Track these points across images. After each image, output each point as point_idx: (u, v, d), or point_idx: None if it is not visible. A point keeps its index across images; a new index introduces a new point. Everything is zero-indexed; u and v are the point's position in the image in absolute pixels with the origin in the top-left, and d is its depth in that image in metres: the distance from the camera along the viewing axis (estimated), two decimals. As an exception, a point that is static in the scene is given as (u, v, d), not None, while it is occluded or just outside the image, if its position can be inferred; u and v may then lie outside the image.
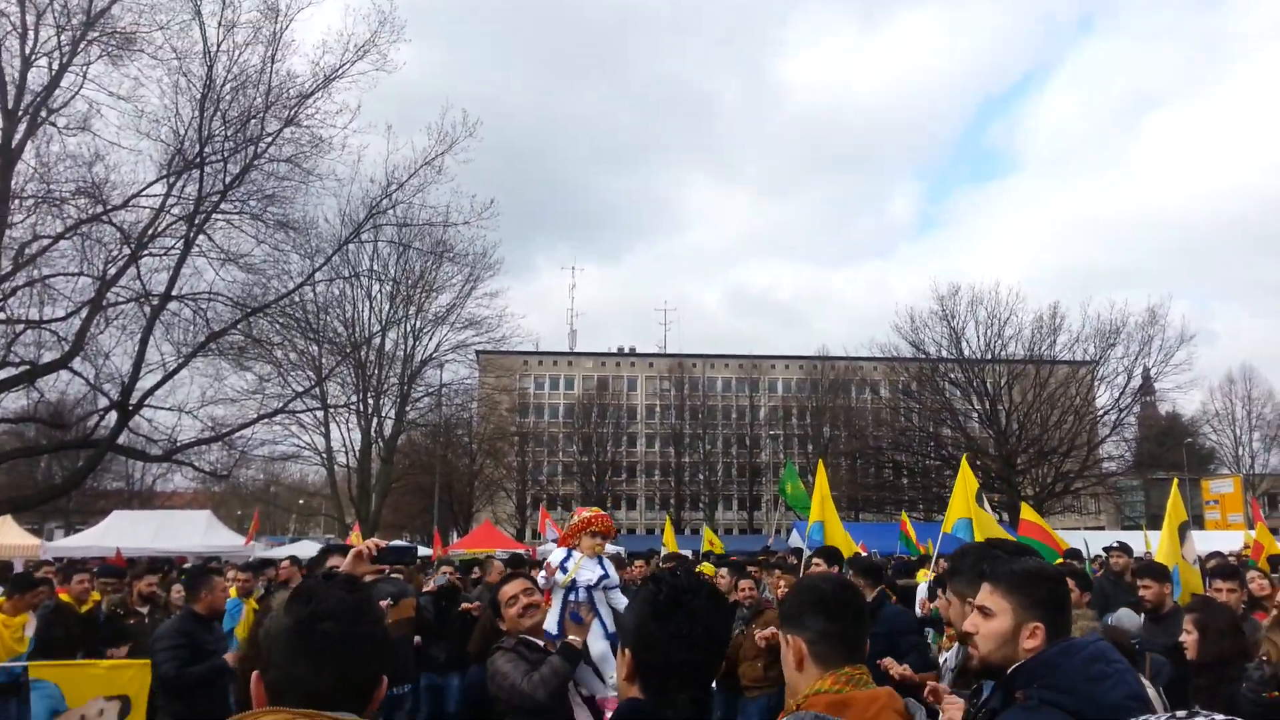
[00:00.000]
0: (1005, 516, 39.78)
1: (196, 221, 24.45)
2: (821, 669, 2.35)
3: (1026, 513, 15.62)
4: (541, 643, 4.51)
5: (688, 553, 20.19)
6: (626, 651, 2.17)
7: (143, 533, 26.73)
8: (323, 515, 54.94)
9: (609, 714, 4.52)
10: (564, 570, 5.02)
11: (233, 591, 9.51)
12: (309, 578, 6.05)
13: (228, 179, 24.33)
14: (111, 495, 49.69)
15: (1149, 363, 48.63)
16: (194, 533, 28.06)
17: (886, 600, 7.30)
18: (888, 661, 5.96)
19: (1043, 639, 2.50)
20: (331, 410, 39.58)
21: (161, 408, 27.13)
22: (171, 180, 23.95)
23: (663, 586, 2.19)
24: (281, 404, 31.19)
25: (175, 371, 26.18)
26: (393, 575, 8.60)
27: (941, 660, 6.07)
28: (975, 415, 50.42)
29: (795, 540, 32.45)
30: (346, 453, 43.74)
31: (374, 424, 43.17)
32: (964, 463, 11.32)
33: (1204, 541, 22.49)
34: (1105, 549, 14.19)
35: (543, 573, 5.35)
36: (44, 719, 6.32)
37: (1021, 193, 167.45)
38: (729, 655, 7.61)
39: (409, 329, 44.22)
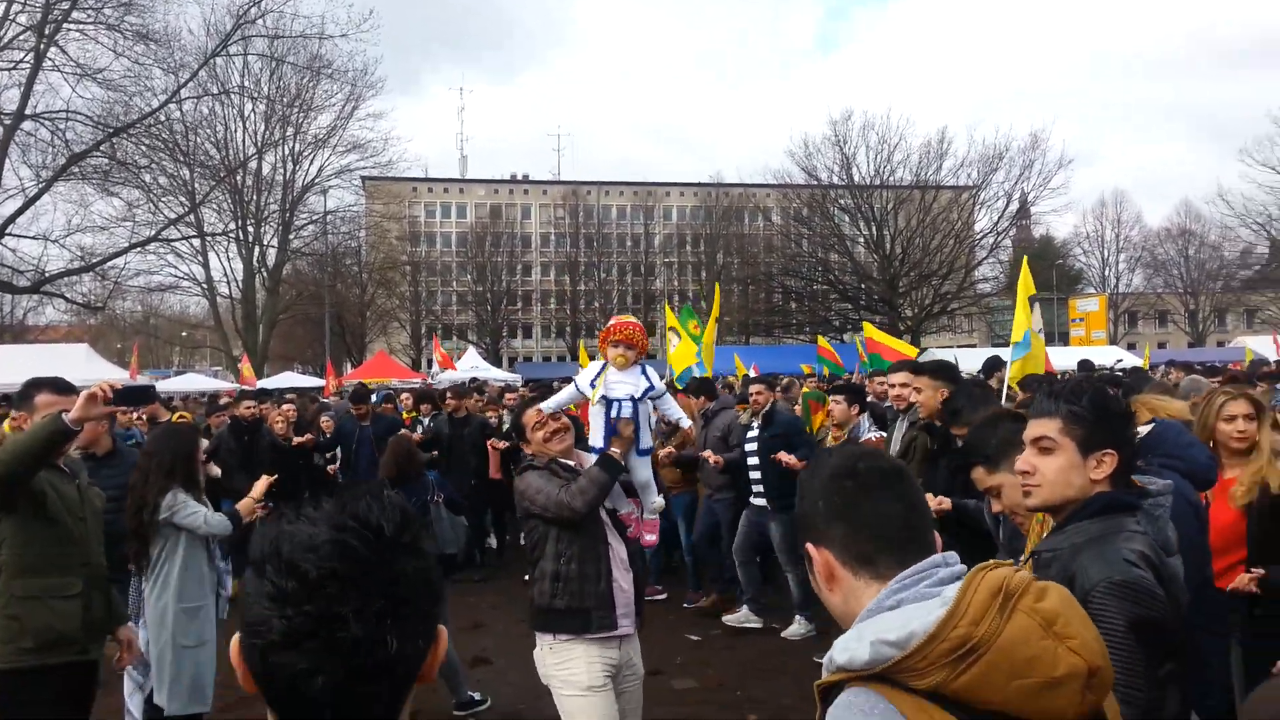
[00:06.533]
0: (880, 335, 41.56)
1: (46, 32, 22.56)
2: None
3: (869, 331, 16.74)
4: (573, 464, 4.33)
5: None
6: (1113, 453, 2.43)
7: (17, 367, 25.56)
8: (208, 348, 53.62)
9: (632, 531, 4.48)
10: (592, 386, 4.74)
11: None
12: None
13: (78, -18, 22.35)
14: (-22, 330, 47.19)
15: (1028, 187, 50.36)
16: (72, 366, 26.92)
17: (777, 407, 8.35)
18: (782, 455, 7.42)
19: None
20: (209, 238, 38.00)
21: (25, 236, 25.78)
22: (13, -16, 21.85)
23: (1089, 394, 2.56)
24: (154, 231, 29.85)
25: (37, 197, 24.76)
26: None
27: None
28: (862, 240, 51.65)
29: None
30: (229, 283, 42.35)
31: (256, 253, 41.69)
32: (716, 289, 12.04)
33: (1070, 356, 24.17)
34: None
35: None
36: None
37: (918, 14, 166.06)
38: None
39: (288, 152, 42.22)
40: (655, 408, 4.83)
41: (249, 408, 10.18)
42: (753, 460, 7.98)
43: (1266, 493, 3.98)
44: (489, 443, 10.30)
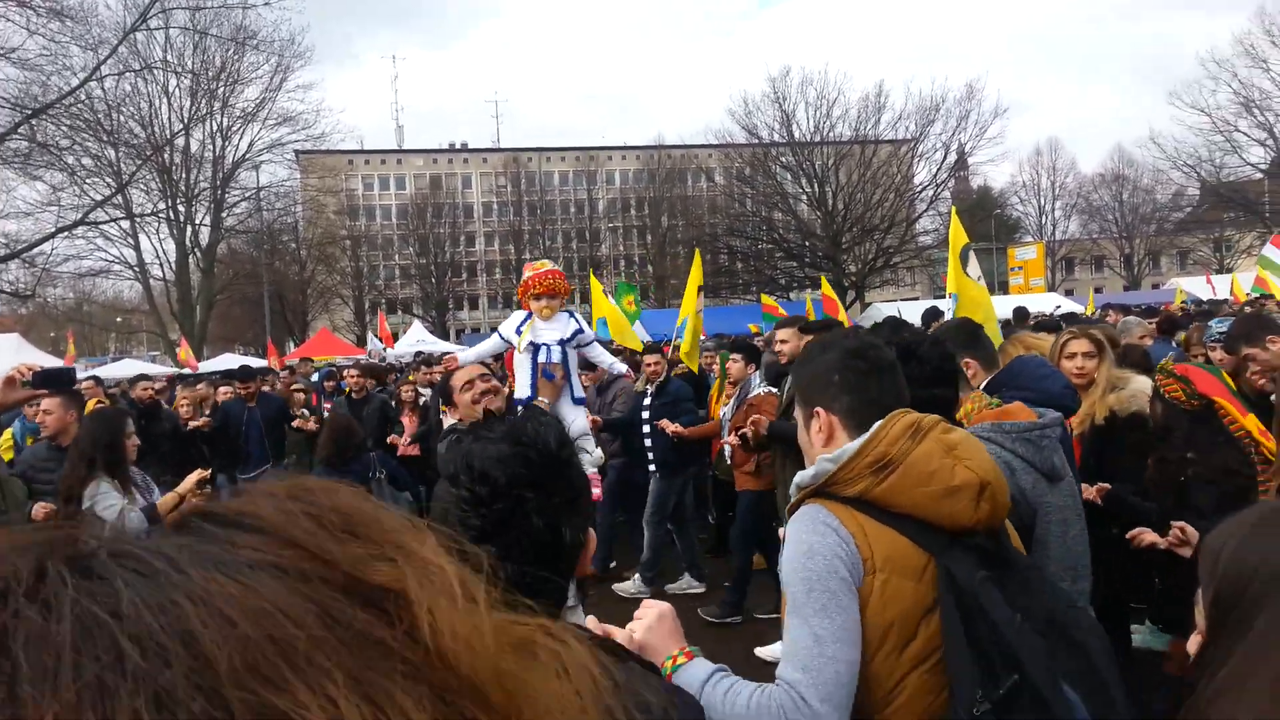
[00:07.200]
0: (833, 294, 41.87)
1: (-52, 10, 21.57)
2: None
3: (826, 288, 16.86)
4: None
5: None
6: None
7: (-58, 360, 24.77)
8: (144, 332, 52.33)
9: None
10: (518, 333, 4.63)
11: None
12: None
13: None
14: (-99, 324, 45.53)
15: (964, 138, 50.80)
16: (3, 356, 26.27)
17: (671, 376, 8.70)
18: (664, 422, 7.65)
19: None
20: (138, 219, 36.93)
21: (-58, 225, 24.86)
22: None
23: (893, 346, 2.50)
24: (80, 215, 28.95)
25: (-49, 183, 23.81)
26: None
27: (720, 413, 7.57)
28: (805, 198, 51.82)
29: (640, 332, 33.09)
30: (162, 265, 41.24)
31: (188, 233, 40.61)
32: (697, 256, 11.94)
33: (1008, 304, 24.58)
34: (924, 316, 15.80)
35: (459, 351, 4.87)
36: None
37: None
38: None
39: (216, 127, 41.04)
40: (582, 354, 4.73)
41: (145, 389, 9.82)
42: (646, 428, 8.10)
43: (1094, 425, 4.31)
44: (391, 439, 9.60)
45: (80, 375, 18.18)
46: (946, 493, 1.84)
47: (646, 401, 8.23)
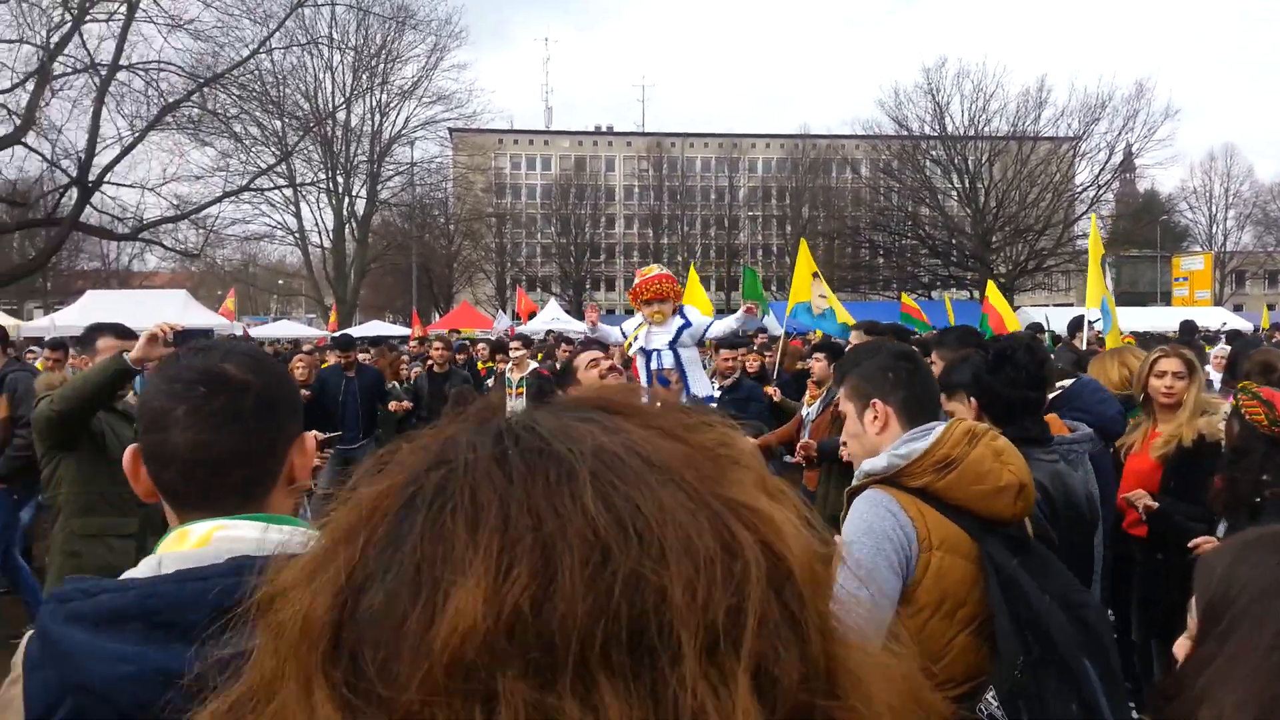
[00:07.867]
0: (976, 295, 40.42)
1: (140, -17, 23.08)
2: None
3: (991, 292, 16.07)
4: None
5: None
6: (971, 399, 3.03)
7: (119, 312, 26.50)
8: (303, 296, 55.14)
9: None
10: (624, 335, 4.82)
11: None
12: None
13: (168, -65, 22.83)
14: (89, 275, 49.13)
15: (1132, 138, 47.99)
16: (171, 311, 28.04)
17: (745, 376, 8.70)
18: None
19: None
20: (300, 189, 38.87)
21: (123, 185, 26.69)
22: (107, -63, 22.43)
23: (989, 349, 2.97)
24: (246, 180, 30.60)
25: (132, 146, 25.54)
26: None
27: (804, 413, 7.25)
28: (954, 194, 50.06)
29: (771, 322, 32.72)
30: (320, 233, 43.34)
31: (346, 203, 42.52)
32: (803, 245, 11.62)
33: (1173, 317, 23.12)
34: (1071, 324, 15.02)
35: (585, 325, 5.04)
36: None
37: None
38: None
39: (374, 103, 42.75)
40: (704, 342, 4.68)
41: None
42: None
43: (1180, 447, 4.27)
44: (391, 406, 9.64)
45: (239, 333, 19.31)
46: (995, 491, 2.20)
47: (715, 394, 8.21)
